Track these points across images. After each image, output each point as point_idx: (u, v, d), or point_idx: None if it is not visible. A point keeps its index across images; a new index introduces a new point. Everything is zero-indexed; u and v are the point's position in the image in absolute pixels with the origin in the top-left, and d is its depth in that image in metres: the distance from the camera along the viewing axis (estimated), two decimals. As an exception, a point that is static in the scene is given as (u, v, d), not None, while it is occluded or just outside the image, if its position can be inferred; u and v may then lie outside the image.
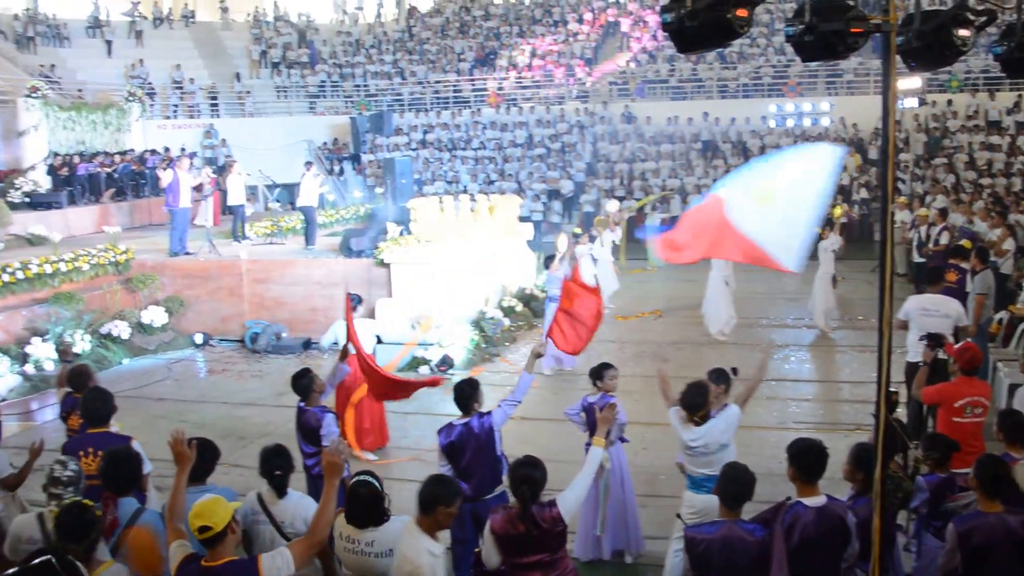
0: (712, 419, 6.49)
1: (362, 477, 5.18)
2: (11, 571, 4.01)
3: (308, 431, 7.22)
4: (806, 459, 5.14)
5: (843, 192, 25.08)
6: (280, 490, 5.44)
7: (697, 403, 6.45)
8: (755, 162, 7.43)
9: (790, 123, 29.15)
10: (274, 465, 5.48)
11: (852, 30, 4.31)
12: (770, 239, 7.40)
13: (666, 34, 4.16)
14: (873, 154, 26.44)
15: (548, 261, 13.59)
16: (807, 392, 12.20)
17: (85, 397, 6.53)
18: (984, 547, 4.98)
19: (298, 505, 5.41)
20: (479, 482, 6.56)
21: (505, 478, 6.42)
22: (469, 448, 6.56)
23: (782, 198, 7.41)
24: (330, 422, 7.19)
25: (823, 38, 4.32)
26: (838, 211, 15.54)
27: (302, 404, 7.36)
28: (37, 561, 3.98)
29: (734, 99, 30.52)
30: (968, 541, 4.99)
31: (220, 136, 29.22)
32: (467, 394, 6.79)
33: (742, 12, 4.03)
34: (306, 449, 7.24)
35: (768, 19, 31.92)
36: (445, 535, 5.33)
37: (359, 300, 10.19)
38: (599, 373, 7.63)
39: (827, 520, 5.02)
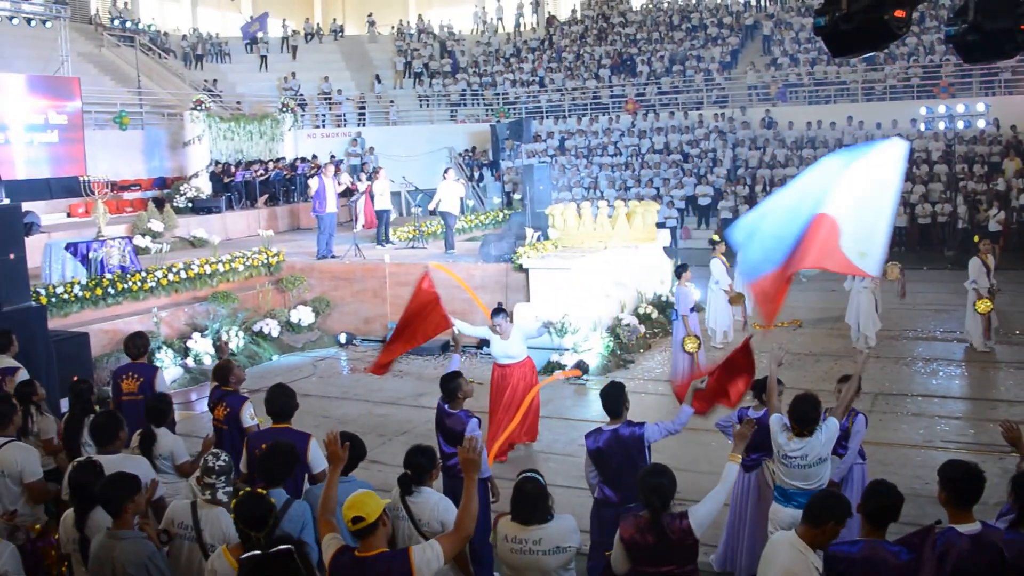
0: (817, 431, 6.15)
1: (528, 474, 5.20)
2: (254, 553, 4.12)
3: (452, 434, 7.23)
4: (962, 484, 4.76)
5: (1001, 198, 23.78)
6: (406, 487, 5.46)
7: (811, 418, 6.09)
8: (822, 164, 6.89)
9: (940, 126, 27.69)
10: (412, 463, 5.52)
11: (1022, 27, 3.99)
12: (852, 243, 6.89)
13: (819, 38, 3.94)
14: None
15: (680, 271, 13.12)
16: (956, 410, 11.51)
17: (271, 393, 6.70)
18: None
19: (436, 505, 5.43)
20: (626, 490, 6.33)
21: None
22: (616, 455, 6.42)
23: (860, 201, 6.91)
24: (474, 427, 7.18)
25: (989, 37, 4.00)
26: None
27: (446, 406, 7.37)
28: (278, 548, 4.09)
29: (881, 102, 29.35)
30: None
31: (367, 144, 29.89)
32: (615, 397, 6.61)
33: (900, 13, 3.77)
34: (447, 450, 7.26)
35: (917, 16, 30.53)
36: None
37: (501, 309, 10.27)
38: (763, 387, 7.14)
39: (983, 550, 4.65)
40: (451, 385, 7.33)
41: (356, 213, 22.50)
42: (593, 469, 6.52)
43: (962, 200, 24.24)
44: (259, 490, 4.84)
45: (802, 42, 32.26)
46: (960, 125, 27.25)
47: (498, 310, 10.14)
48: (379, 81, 35.37)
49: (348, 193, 22.16)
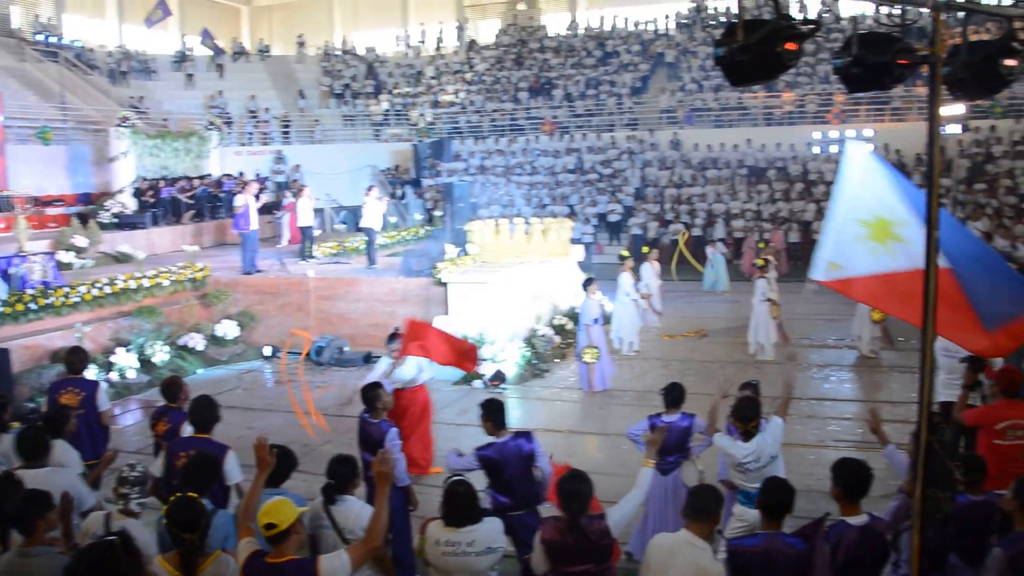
0: (759, 433, 6.45)
1: (457, 477, 5.26)
2: (81, 547, 4.13)
3: (371, 443, 7.22)
4: (853, 479, 5.04)
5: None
6: (329, 497, 5.43)
7: (751, 414, 6.50)
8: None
9: (833, 149, 28.70)
10: (334, 472, 5.50)
11: (899, 62, 4.22)
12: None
13: (718, 67, 4.11)
14: (916, 179, 25.96)
15: (587, 284, 13.41)
16: (847, 411, 11.93)
17: (195, 404, 6.62)
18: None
19: (359, 513, 5.39)
20: (515, 497, 6.51)
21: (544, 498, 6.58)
22: (505, 464, 6.49)
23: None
24: (393, 436, 7.19)
25: (870, 70, 4.24)
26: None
27: (367, 416, 7.36)
28: (103, 540, 4.04)
29: (779, 126, 30.20)
30: (1018, 565, 4.82)
31: (290, 162, 29.60)
32: (498, 408, 6.70)
33: (791, 46, 3.96)
34: (368, 459, 7.24)
35: (813, 48, 31.52)
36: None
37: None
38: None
39: (870, 539, 4.93)
40: (370, 395, 7.34)
41: (281, 229, 22.29)
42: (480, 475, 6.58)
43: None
44: (191, 495, 4.81)
45: (707, 69, 32.97)
46: (851, 149, 28.14)
47: (393, 336, 9.77)
48: (303, 96, 35.11)
49: (269, 210, 21.93)
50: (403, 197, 29.51)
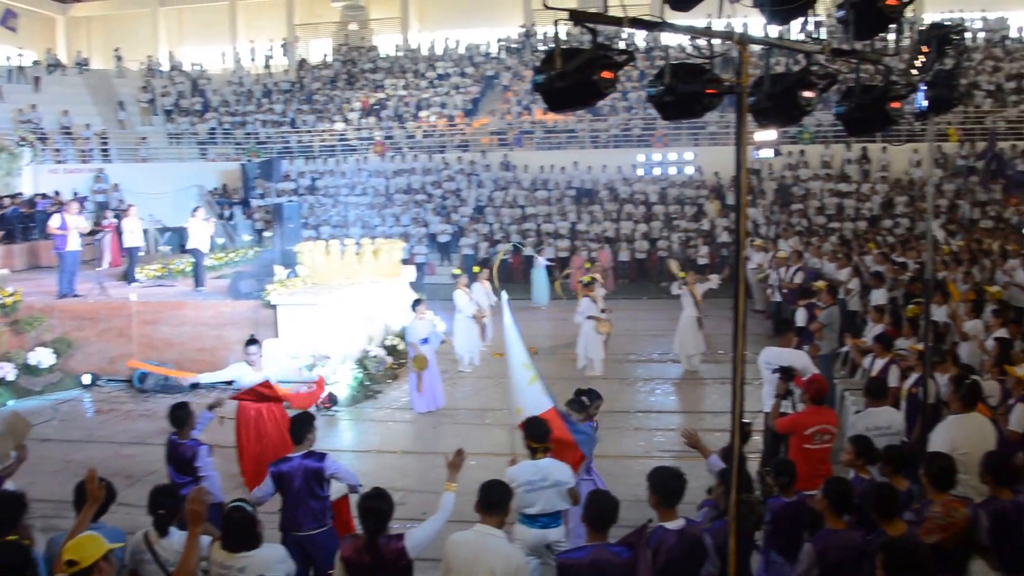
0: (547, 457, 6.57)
1: (236, 503, 5.19)
2: None
3: (182, 462, 7.09)
4: (666, 486, 5.27)
5: (706, 235, 25.88)
6: (161, 529, 5.25)
7: (541, 433, 6.57)
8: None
9: (657, 171, 29.93)
10: (159, 504, 5.31)
11: (707, 91, 4.47)
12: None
13: (538, 93, 4.24)
14: (731, 200, 27.33)
15: (415, 304, 13.51)
16: (671, 422, 12.37)
17: None
18: (838, 562, 5.16)
19: (182, 544, 5.21)
20: (300, 515, 6.49)
21: (330, 521, 6.63)
22: (297, 481, 6.49)
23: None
24: (204, 454, 7.05)
25: (681, 99, 4.47)
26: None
27: (174, 437, 7.28)
28: None
29: (605, 149, 31.17)
30: (825, 558, 5.15)
31: (111, 181, 28.27)
32: (303, 422, 6.71)
33: (607, 74, 4.12)
34: (179, 480, 7.10)
35: (637, 74, 32.76)
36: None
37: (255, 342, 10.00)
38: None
39: (687, 541, 5.15)
40: (179, 414, 7.31)
41: (102, 251, 21.20)
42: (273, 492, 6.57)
43: (675, 238, 26.21)
44: (10, 537, 4.52)
45: (536, 93, 33.55)
46: (672, 171, 29.57)
47: (252, 340, 9.86)
48: (122, 108, 33.61)
49: (91, 232, 20.85)
50: (231, 218, 28.75)
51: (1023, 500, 5.62)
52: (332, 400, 13.33)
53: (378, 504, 5.18)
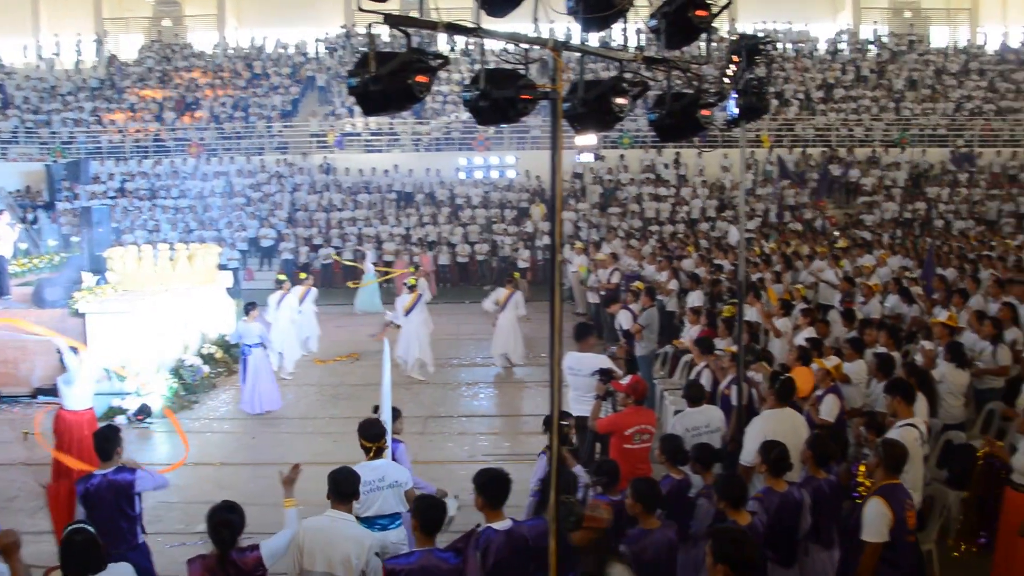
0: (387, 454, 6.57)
1: (77, 525, 4.93)
2: None
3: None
4: (491, 487, 5.30)
5: (529, 239, 26.32)
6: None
7: (376, 432, 6.48)
8: None
9: (479, 175, 30.18)
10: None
11: (522, 97, 4.52)
12: None
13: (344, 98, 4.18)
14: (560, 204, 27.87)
15: (248, 308, 13.33)
16: (494, 426, 12.50)
17: None
18: (654, 560, 5.34)
19: None
20: (112, 534, 6.21)
21: (143, 536, 6.48)
22: (106, 499, 6.27)
23: None
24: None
25: (496, 104, 4.50)
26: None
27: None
28: None
29: (428, 152, 31.17)
30: (641, 558, 5.30)
31: None
32: (108, 438, 6.44)
33: (422, 78, 4.11)
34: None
35: (460, 77, 32.93)
36: None
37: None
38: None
39: (514, 541, 5.22)
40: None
41: None
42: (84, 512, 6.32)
43: (497, 241, 26.55)
44: None
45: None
46: (495, 175, 29.91)
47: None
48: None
49: None
50: (35, 222, 26.92)
51: (835, 480, 6.24)
52: (145, 412, 12.75)
53: (230, 517, 5.04)
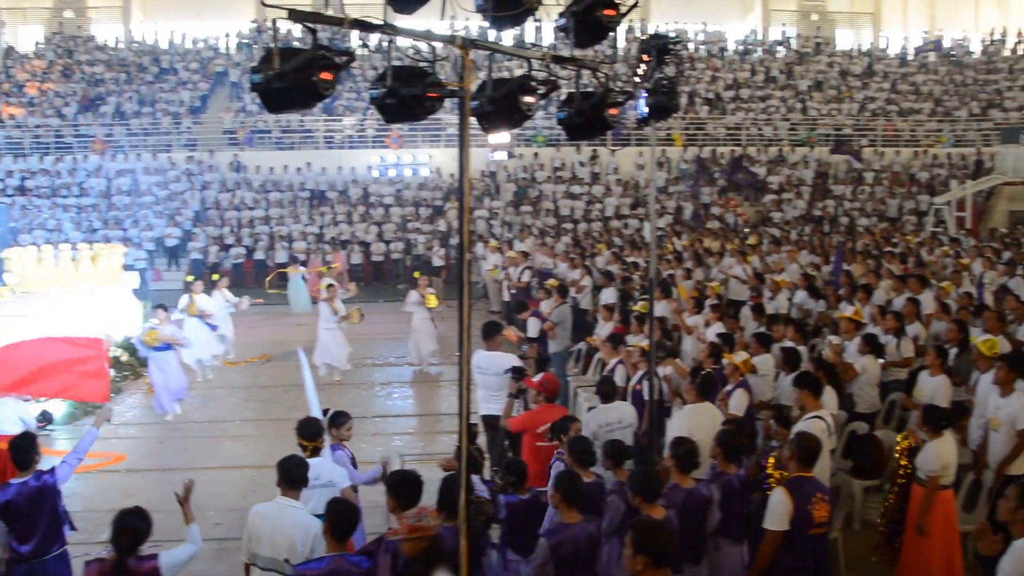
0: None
1: None
2: None
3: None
4: (403, 489, 5.28)
5: (442, 238, 26.24)
6: None
7: (314, 432, 6.57)
8: None
9: (392, 173, 29.96)
10: None
11: (429, 95, 4.49)
12: None
13: (255, 94, 4.10)
14: (471, 201, 27.83)
15: (157, 308, 13.14)
16: (409, 426, 12.45)
17: None
18: (573, 554, 5.37)
19: None
20: (39, 542, 6.12)
21: (69, 537, 6.39)
22: (28, 507, 6.09)
23: None
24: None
25: (403, 102, 4.47)
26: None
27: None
28: None
29: (340, 149, 30.81)
30: (559, 551, 5.34)
31: None
32: (24, 448, 6.27)
33: (327, 75, 4.04)
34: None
35: (373, 75, 32.52)
36: None
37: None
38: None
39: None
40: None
41: None
42: (3, 525, 6.15)
43: (412, 239, 26.44)
44: None
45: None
46: (408, 173, 29.74)
47: None
48: None
49: None
50: (-79, 222, 25.85)
51: (744, 474, 6.40)
52: (47, 419, 12.30)
53: (135, 522, 4.98)
